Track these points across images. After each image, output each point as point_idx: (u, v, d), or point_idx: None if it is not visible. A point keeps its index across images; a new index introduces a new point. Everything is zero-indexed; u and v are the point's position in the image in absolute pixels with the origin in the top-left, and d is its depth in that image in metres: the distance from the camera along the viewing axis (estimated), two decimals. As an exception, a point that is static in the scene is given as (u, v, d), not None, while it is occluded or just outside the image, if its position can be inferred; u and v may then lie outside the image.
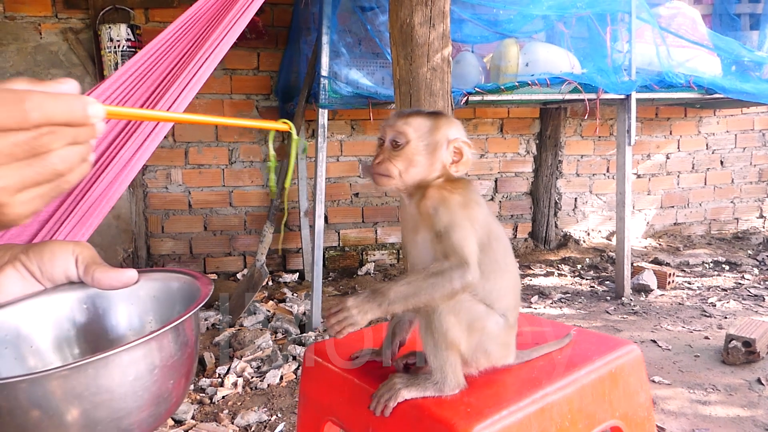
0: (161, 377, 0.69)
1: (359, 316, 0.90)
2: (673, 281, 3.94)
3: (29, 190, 0.57)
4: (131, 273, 0.80)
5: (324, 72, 3.21)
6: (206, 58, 1.88)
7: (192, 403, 2.39)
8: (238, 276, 4.15)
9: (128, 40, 3.53)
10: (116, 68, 3.41)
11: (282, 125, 0.88)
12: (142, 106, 1.83)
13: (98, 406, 0.64)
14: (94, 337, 0.84)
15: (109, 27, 3.51)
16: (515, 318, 1.06)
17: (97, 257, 0.81)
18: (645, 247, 4.97)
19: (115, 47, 3.53)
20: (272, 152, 1.04)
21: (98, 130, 0.60)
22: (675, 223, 5.32)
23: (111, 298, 0.85)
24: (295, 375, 2.64)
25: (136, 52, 2.60)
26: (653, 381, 2.51)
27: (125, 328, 0.86)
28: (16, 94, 0.54)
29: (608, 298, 3.74)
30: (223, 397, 2.45)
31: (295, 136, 0.96)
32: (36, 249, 0.79)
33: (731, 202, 5.43)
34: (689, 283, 3.99)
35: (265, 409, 2.36)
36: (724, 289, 3.85)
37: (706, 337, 3.00)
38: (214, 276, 4.15)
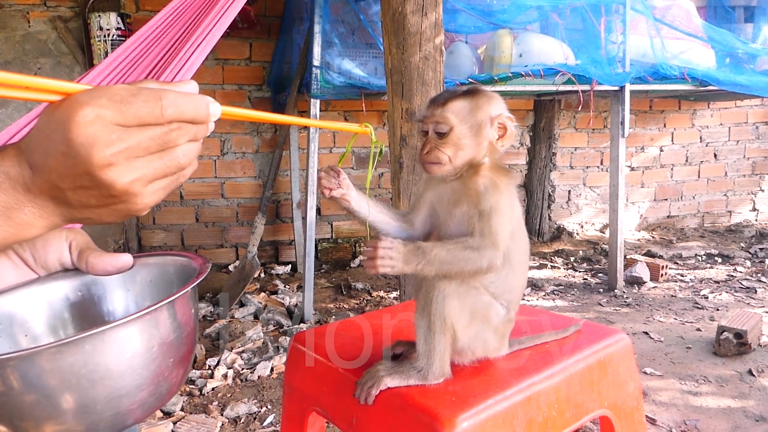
0: (160, 355, 0.68)
1: (401, 262, 0.90)
2: (665, 273, 3.94)
3: (156, 182, 0.62)
4: (126, 258, 0.79)
5: (316, 62, 3.18)
6: (197, 46, 1.85)
7: (181, 395, 2.37)
8: (230, 268, 4.13)
9: (118, 29, 3.49)
10: (106, 57, 3.37)
11: (363, 129, 0.91)
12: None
13: (96, 384, 0.62)
14: (90, 324, 0.82)
15: (99, 15, 3.47)
16: (515, 312, 1.05)
17: (91, 243, 0.81)
18: (638, 240, 4.97)
19: (104, 36, 3.48)
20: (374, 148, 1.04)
21: (210, 128, 0.65)
22: (668, 216, 5.32)
23: (106, 285, 0.84)
24: (286, 366, 2.62)
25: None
26: (645, 372, 2.51)
27: (122, 314, 0.85)
28: (153, 92, 0.58)
29: (601, 290, 3.73)
30: (213, 389, 2.43)
31: (373, 138, 0.96)
32: None
33: (724, 194, 5.44)
34: (682, 276, 3.98)
35: (255, 400, 2.34)
36: (716, 282, 3.85)
37: (698, 329, 3.00)
38: (205, 268, 4.12)
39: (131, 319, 0.63)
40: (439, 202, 1.04)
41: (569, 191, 5.01)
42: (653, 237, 5.05)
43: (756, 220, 5.52)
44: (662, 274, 3.89)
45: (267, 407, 2.29)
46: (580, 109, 4.57)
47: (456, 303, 0.94)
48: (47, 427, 0.63)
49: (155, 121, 0.58)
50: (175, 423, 2.16)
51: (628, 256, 4.11)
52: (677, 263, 4.30)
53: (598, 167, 5.04)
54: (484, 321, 0.98)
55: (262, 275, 4.05)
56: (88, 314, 0.83)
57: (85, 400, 0.63)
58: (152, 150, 0.59)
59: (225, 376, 2.52)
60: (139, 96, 0.57)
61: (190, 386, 2.45)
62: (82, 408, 0.63)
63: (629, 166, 5.06)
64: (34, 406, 0.61)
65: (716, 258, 4.41)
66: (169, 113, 0.59)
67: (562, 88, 3.45)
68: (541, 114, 4.74)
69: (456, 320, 0.95)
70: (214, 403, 2.32)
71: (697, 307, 3.35)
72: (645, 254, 4.45)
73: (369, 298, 3.59)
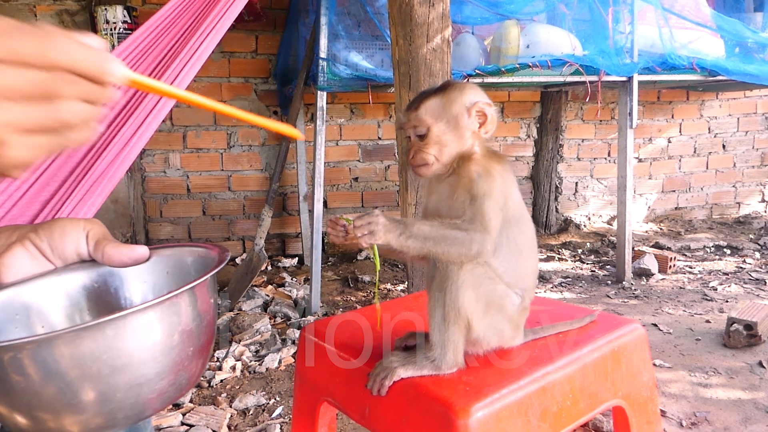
0: (180, 343, 0.67)
1: (381, 231, 0.89)
2: (674, 265, 3.92)
3: (31, 135, 0.53)
4: (142, 250, 0.77)
5: (322, 54, 3.17)
6: (204, 39, 1.84)
7: (190, 387, 2.38)
8: (237, 260, 4.13)
9: (124, 22, 3.48)
10: (113, 50, 3.36)
11: (292, 132, 0.85)
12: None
13: (116, 371, 0.61)
14: (108, 314, 0.81)
15: (105, 9, 3.46)
16: (530, 300, 1.05)
17: (108, 234, 0.79)
18: (646, 232, 4.95)
19: (111, 29, 3.48)
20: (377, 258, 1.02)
21: (112, 95, 0.57)
22: (676, 208, 5.29)
23: (123, 276, 0.83)
24: (294, 359, 2.63)
25: (131, 34, 2.56)
26: (654, 364, 2.50)
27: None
28: (44, 31, 0.52)
29: (609, 282, 3.72)
30: (222, 381, 2.44)
31: (301, 137, 0.93)
32: (46, 227, 0.78)
33: (733, 186, 5.40)
34: (690, 267, 3.97)
35: (264, 392, 2.34)
36: (725, 273, 3.83)
37: (708, 321, 2.98)
38: (213, 261, 4.13)
39: (152, 304, 0.62)
40: (440, 202, 1.03)
41: (576, 183, 4.99)
42: (661, 229, 5.03)
43: (765, 211, 5.49)
44: (671, 266, 3.88)
45: (275, 399, 2.30)
46: (587, 100, 4.55)
47: (471, 293, 0.93)
48: (66, 417, 0.62)
49: (38, 63, 0.51)
50: (184, 414, 2.16)
51: (636, 248, 4.09)
52: (686, 255, 4.28)
53: (605, 159, 5.02)
54: (499, 311, 0.98)
55: (269, 268, 4.06)
56: (105, 305, 0.82)
57: (105, 388, 0.62)
58: (28, 95, 0.51)
59: (233, 368, 2.53)
60: (24, 31, 0.50)
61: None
62: (101, 396, 0.62)
63: (637, 158, 5.04)
64: (52, 394, 0.60)
65: (725, 250, 4.39)
66: (55, 57, 0.51)
67: (569, 79, 3.43)
68: (548, 105, 4.72)
69: (471, 311, 0.94)
70: (222, 395, 2.32)
71: (706, 299, 3.34)
72: (653, 246, 4.43)
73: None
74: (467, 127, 1.00)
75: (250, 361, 2.61)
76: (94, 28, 3.58)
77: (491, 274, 0.96)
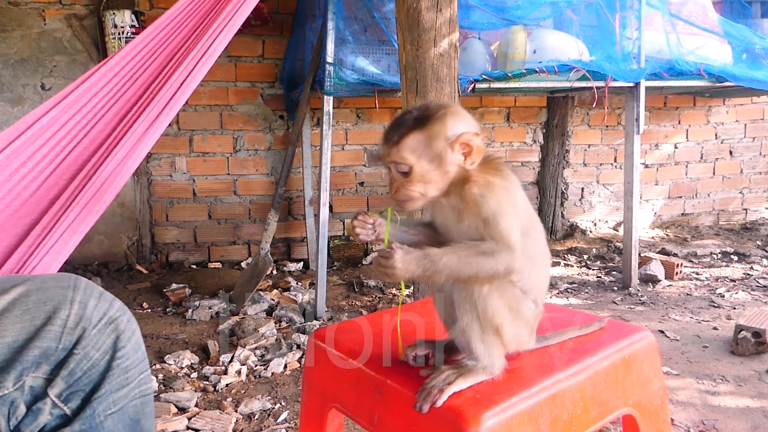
0: None
1: (402, 270, 0.88)
2: (680, 272, 3.90)
3: None
4: None
5: (329, 59, 3.18)
6: (211, 44, 1.84)
7: (195, 391, 2.37)
8: (243, 265, 4.14)
9: (132, 26, 3.50)
10: (118, 52, 3.37)
11: None
12: (149, 86, 1.80)
13: None
14: None
15: (113, 13, 3.48)
16: (542, 304, 1.05)
17: None
18: (652, 238, 4.93)
19: (119, 34, 3.50)
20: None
21: None
22: (683, 214, 5.27)
23: None
24: (299, 364, 2.62)
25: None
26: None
27: None
28: None
29: (615, 288, 3.70)
30: (227, 385, 2.44)
31: None
32: None
33: (740, 192, 5.38)
34: (697, 274, 3.95)
35: (269, 397, 2.34)
36: (732, 280, 3.81)
37: (715, 328, 2.97)
38: (218, 264, 4.14)
39: None
40: (447, 221, 1.02)
41: (582, 188, 4.98)
42: (667, 235, 5.01)
43: (772, 218, 5.47)
44: (677, 273, 3.86)
45: (281, 404, 2.29)
46: (594, 105, 4.54)
47: (498, 302, 0.94)
48: None
49: None
50: (189, 419, 2.16)
51: (642, 254, 4.08)
52: (692, 261, 4.26)
53: (611, 164, 5.01)
54: (519, 315, 0.98)
55: (275, 272, 4.05)
56: None
57: None
58: None
59: (238, 373, 2.52)
60: None
61: (204, 382, 2.46)
62: None
63: (643, 164, 5.02)
64: None
65: (732, 256, 4.36)
66: None
67: (576, 84, 3.42)
68: (555, 111, 4.72)
69: (501, 317, 0.95)
70: (228, 399, 2.32)
71: (714, 306, 3.32)
72: (659, 252, 4.41)
73: (381, 295, 3.59)
74: (451, 162, 0.96)
75: (256, 365, 2.61)
76: (102, 32, 3.60)
77: (508, 280, 0.96)
